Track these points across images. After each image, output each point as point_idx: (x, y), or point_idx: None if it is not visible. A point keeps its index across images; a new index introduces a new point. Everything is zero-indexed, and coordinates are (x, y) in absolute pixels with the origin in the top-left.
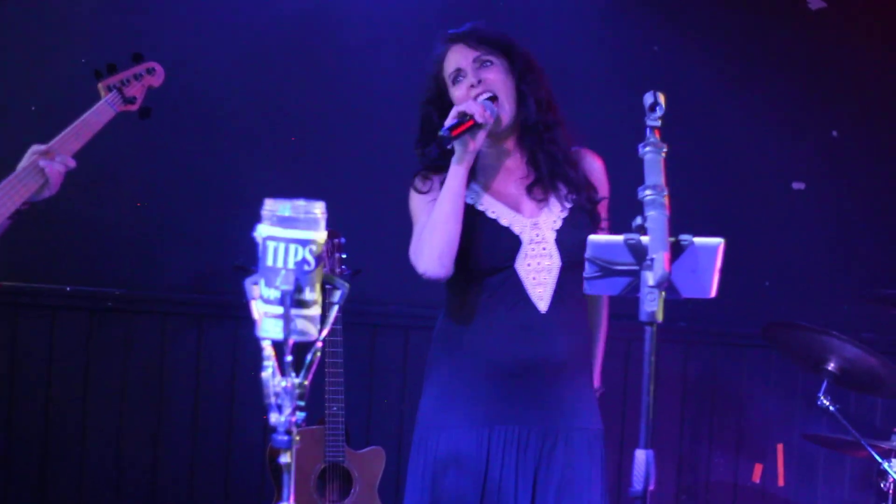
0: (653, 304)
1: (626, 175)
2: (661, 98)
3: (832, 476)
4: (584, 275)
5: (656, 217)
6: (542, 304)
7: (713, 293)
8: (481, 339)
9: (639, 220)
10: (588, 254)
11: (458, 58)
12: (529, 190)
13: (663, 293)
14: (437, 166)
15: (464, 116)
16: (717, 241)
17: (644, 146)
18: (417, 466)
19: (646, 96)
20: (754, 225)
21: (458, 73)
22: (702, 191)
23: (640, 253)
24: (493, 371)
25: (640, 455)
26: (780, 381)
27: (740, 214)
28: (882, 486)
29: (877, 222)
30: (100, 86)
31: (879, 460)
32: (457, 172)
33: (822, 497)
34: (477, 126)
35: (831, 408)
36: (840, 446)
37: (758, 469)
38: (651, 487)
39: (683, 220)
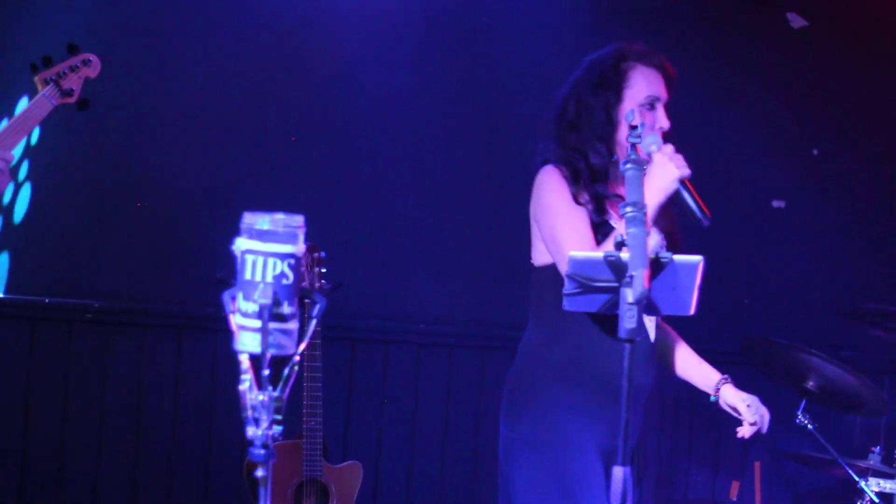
0: (632, 322)
1: None
2: (640, 117)
3: (810, 494)
4: (564, 291)
5: (636, 234)
6: (652, 334)
7: (693, 310)
8: (606, 365)
9: (619, 237)
10: (568, 270)
11: (661, 88)
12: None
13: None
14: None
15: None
16: (697, 259)
17: (625, 163)
18: (542, 483)
19: (627, 114)
20: (735, 242)
21: (656, 101)
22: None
23: (619, 270)
24: (612, 391)
25: (618, 472)
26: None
27: (721, 232)
28: None
29: (857, 241)
30: (36, 79)
31: (856, 479)
32: (655, 209)
33: None
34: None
35: (809, 426)
36: (818, 464)
37: (735, 486)
38: (628, 503)
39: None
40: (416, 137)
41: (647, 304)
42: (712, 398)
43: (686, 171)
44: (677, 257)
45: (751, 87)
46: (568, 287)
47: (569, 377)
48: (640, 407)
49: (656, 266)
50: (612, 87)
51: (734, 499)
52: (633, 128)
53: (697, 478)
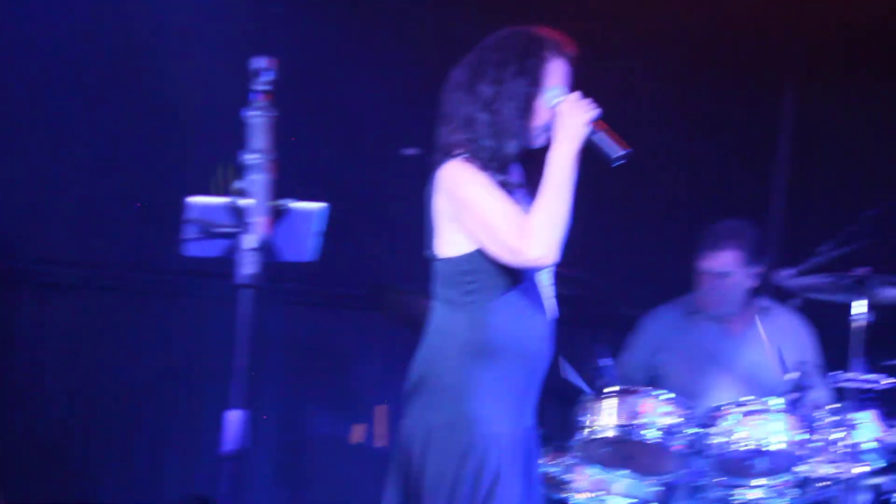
0: (251, 267)
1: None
2: (271, 63)
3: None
4: (184, 236)
5: (258, 181)
6: (550, 313)
7: (312, 256)
8: (520, 343)
9: (240, 184)
10: (188, 215)
11: (567, 79)
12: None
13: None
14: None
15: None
16: (317, 206)
17: (250, 111)
18: (458, 468)
19: (253, 61)
20: (366, 189)
21: (561, 91)
22: (313, 156)
23: (240, 216)
24: (531, 372)
25: (233, 415)
26: (385, 343)
27: (352, 179)
28: None
29: None
30: None
31: None
32: (572, 156)
33: None
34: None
35: None
36: None
37: (359, 429)
38: (244, 447)
39: (295, 186)
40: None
41: (267, 250)
42: None
43: (594, 113)
44: (297, 204)
45: (384, 36)
46: (188, 232)
47: (484, 361)
48: (540, 381)
49: (277, 212)
50: (534, 77)
51: (359, 440)
52: (260, 74)
53: (323, 420)
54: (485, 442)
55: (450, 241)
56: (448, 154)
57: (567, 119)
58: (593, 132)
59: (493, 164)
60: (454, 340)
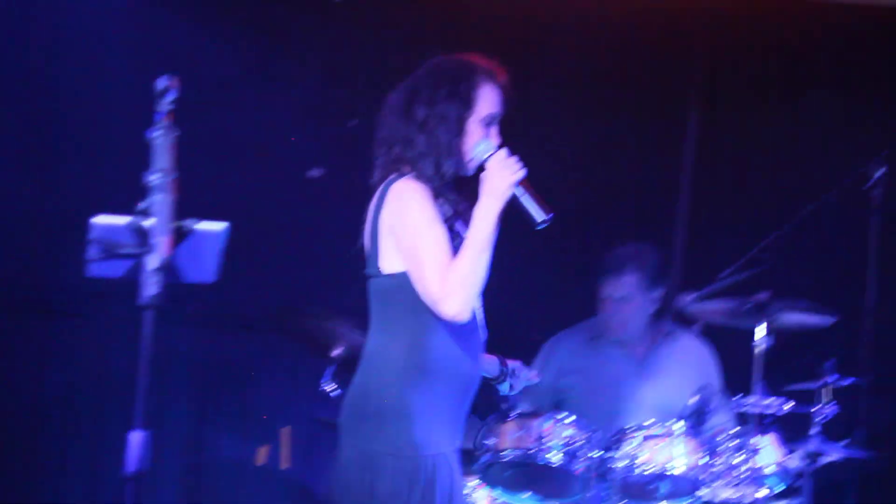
0: (153, 288)
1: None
2: (174, 83)
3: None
4: (88, 256)
5: (161, 201)
6: (483, 331)
7: (215, 277)
8: (457, 363)
9: (144, 204)
10: (92, 235)
11: (499, 106)
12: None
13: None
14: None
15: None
16: (220, 227)
17: (154, 131)
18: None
19: (158, 81)
20: (270, 210)
21: (494, 119)
22: (216, 177)
23: (143, 236)
24: (465, 392)
25: (136, 437)
26: (290, 365)
27: (257, 200)
28: None
29: None
30: None
31: None
32: (496, 215)
33: (323, 478)
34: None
35: (334, 393)
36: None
37: (263, 451)
38: (146, 468)
39: (199, 206)
40: None
41: (170, 271)
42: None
43: (521, 174)
44: (200, 225)
45: (288, 58)
46: (92, 253)
47: (424, 383)
48: (471, 401)
49: (180, 233)
50: (465, 101)
51: (263, 462)
52: (164, 94)
53: (226, 442)
54: (432, 465)
55: (390, 257)
56: (396, 171)
57: (493, 178)
58: (519, 193)
59: (435, 181)
60: (392, 366)
